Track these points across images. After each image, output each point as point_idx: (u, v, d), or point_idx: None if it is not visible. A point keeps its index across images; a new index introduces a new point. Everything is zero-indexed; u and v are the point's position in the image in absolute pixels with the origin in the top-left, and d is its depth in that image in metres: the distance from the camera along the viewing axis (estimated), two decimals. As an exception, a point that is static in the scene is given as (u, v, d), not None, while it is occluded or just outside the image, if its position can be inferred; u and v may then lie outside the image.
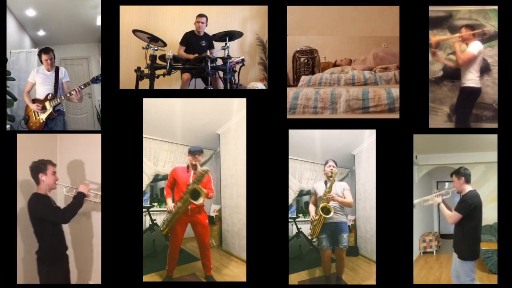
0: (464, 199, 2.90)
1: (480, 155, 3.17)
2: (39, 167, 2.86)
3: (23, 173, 3.04)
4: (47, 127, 3.25)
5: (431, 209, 3.12)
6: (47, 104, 3.26)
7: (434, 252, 3.63)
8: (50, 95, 3.28)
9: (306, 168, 3.56)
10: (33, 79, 3.32)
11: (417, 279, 3.09)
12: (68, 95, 3.21)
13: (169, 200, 3.26)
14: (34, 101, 3.30)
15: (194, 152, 3.26)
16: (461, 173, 2.93)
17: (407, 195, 3.06)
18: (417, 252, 3.67)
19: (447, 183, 3.65)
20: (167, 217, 3.21)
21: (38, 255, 2.85)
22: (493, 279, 3.10)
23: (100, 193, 3.02)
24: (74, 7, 3.43)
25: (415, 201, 3.04)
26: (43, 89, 3.31)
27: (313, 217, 3.22)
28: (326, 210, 3.17)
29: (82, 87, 3.20)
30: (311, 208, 3.29)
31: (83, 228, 3.26)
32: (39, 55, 3.34)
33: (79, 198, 2.92)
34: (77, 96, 3.18)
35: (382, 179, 3.08)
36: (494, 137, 3.10)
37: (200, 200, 3.13)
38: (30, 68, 3.51)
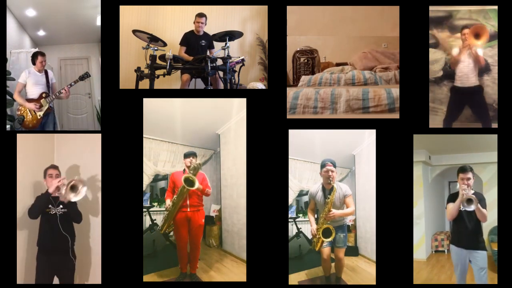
0: (481, 196, 2.90)
1: (492, 155, 3.16)
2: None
3: (23, 173, 3.05)
4: (40, 124, 3.38)
5: (443, 208, 3.12)
6: (43, 101, 3.38)
7: (446, 251, 3.64)
8: (45, 93, 3.40)
9: (306, 168, 3.56)
10: (24, 80, 3.39)
11: (429, 276, 3.12)
12: (61, 92, 3.36)
13: (167, 201, 3.31)
14: (30, 100, 3.38)
15: (188, 155, 3.35)
16: (473, 170, 2.92)
17: (407, 195, 3.06)
18: (429, 251, 3.68)
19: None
20: (164, 215, 3.28)
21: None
22: None
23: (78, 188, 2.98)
24: (74, 7, 3.43)
25: (469, 208, 2.87)
26: (36, 89, 3.40)
27: (313, 232, 3.17)
28: (328, 233, 3.09)
29: (73, 83, 3.35)
30: (310, 217, 3.25)
31: (82, 228, 3.27)
32: (34, 56, 3.42)
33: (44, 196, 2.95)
34: (66, 94, 3.36)
35: (382, 179, 3.08)
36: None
37: (196, 186, 3.18)
38: (28, 68, 3.52)
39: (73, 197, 2.91)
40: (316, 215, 3.26)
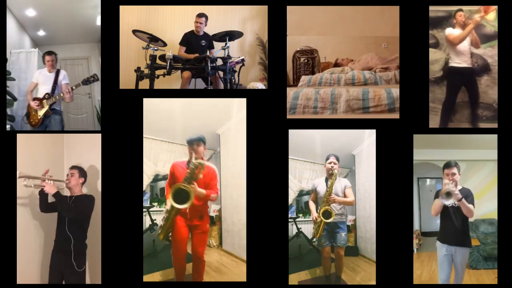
0: (469, 192, 2.90)
1: (462, 153, 3.19)
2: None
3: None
4: (43, 124, 3.40)
5: (412, 205, 3.11)
6: (44, 102, 3.40)
7: (415, 250, 3.62)
8: (47, 94, 3.41)
9: (306, 168, 3.56)
10: (36, 79, 3.48)
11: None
12: (61, 94, 3.35)
13: (168, 201, 2.98)
14: (34, 99, 3.43)
15: (192, 142, 2.92)
16: (458, 165, 2.91)
17: (407, 195, 3.06)
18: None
19: (428, 180, 3.63)
20: (162, 220, 2.98)
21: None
22: (473, 275, 3.12)
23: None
24: (74, 7, 3.43)
25: (447, 202, 2.85)
26: (43, 89, 3.45)
27: (314, 218, 3.22)
28: (327, 215, 3.16)
29: (74, 87, 3.32)
30: (311, 205, 3.29)
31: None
32: (43, 56, 3.48)
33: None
34: (67, 95, 3.33)
35: (382, 179, 3.08)
36: (477, 136, 3.16)
37: (186, 204, 2.68)
38: (30, 68, 3.53)
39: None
40: (316, 206, 3.28)
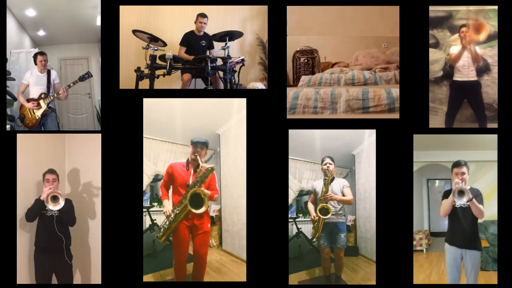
0: (478, 192, 2.86)
1: (471, 154, 3.17)
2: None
3: (23, 173, 3.05)
4: (40, 123, 3.42)
5: (421, 206, 3.10)
6: (41, 102, 3.41)
7: (424, 250, 3.62)
8: (43, 94, 3.43)
9: (306, 168, 3.56)
10: (27, 81, 3.46)
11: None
12: (59, 92, 3.38)
13: (166, 202, 2.98)
14: (29, 100, 3.43)
15: (197, 144, 2.97)
16: (467, 165, 2.88)
17: (407, 195, 3.07)
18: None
19: (437, 181, 3.63)
20: (164, 223, 2.93)
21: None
22: (482, 276, 3.11)
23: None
24: (74, 7, 3.43)
25: (460, 201, 2.79)
26: (36, 89, 3.45)
27: (313, 217, 3.22)
28: (324, 211, 3.16)
29: (71, 85, 3.36)
30: (310, 206, 3.29)
31: (82, 228, 3.27)
32: (35, 57, 3.47)
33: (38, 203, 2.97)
34: (64, 94, 3.37)
35: (382, 179, 3.08)
36: (485, 136, 3.13)
37: (203, 209, 2.78)
38: (30, 68, 3.52)
39: (53, 207, 2.90)
40: (315, 207, 3.26)
